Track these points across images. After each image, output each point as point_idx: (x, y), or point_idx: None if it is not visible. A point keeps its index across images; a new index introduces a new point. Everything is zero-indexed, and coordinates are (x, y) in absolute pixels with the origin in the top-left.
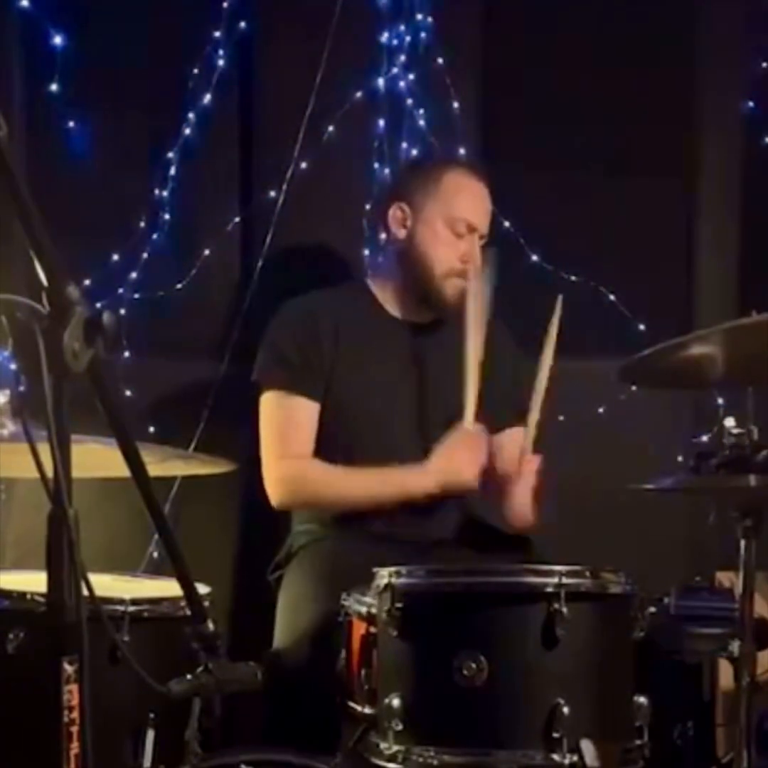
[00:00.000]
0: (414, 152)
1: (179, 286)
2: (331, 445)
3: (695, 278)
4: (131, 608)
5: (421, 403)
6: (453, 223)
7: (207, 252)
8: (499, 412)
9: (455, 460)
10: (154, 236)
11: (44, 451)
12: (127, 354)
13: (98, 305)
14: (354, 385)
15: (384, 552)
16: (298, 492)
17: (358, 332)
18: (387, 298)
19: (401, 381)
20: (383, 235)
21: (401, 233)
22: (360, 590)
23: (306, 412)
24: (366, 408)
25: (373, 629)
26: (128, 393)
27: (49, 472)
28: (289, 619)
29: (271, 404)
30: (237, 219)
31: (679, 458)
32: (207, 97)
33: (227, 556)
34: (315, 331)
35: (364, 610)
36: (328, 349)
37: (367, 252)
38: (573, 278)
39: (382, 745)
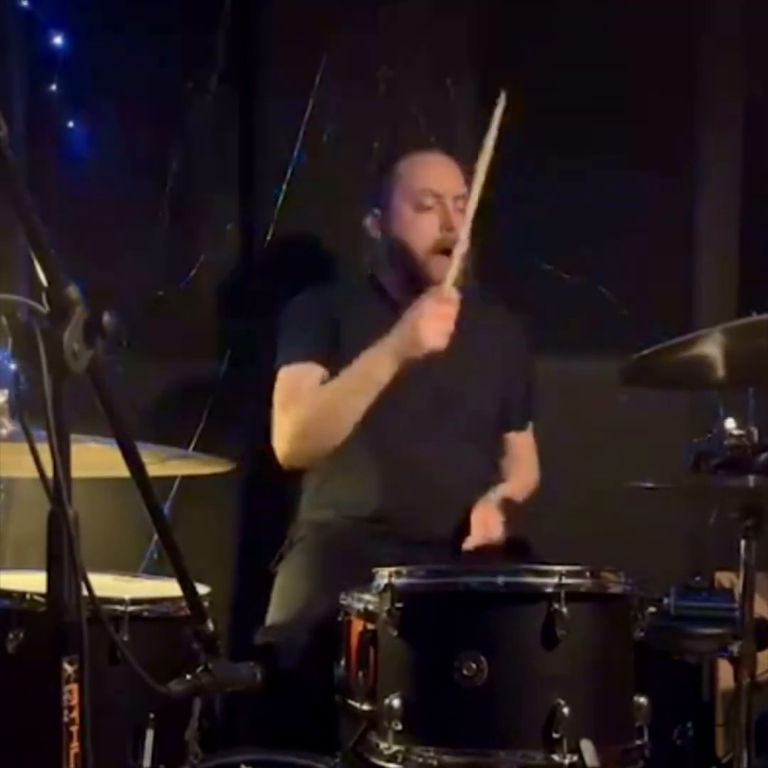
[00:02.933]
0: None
1: (179, 286)
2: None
3: (695, 278)
4: (131, 608)
5: (428, 391)
6: (418, 199)
7: (207, 252)
8: (510, 411)
9: (420, 328)
10: (154, 236)
11: (44, 451)
12: (127, 354)
13: (98, 305)
14: None
15: (382, 542)
16: (298, 433)
17: (364, 322)
18: (392, 287)
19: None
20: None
21: (379, 235)
22: (358, 588)
23: (316, 374)
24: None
25: (370, 626)
26: (128, 393)
27: (49, 472)
28: (283, 604)
29: (283, 375)
30: (237, 219)
31: (679, 459)
32: (207, 97)
33: (227, 556)
34: (327, 315)
35: (361, 606)
36: (336, 332)
37: (366, 252)
38: (573, 278)
39: (382, 745)
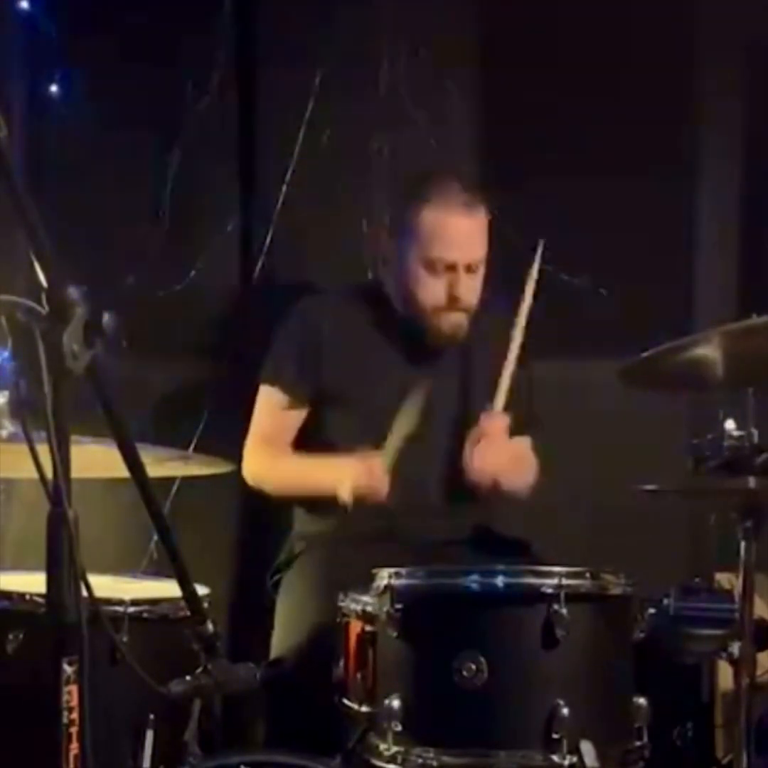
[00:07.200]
0: (414, 153)
1: (179, 286)
2: (335, 444)
3: (695, 278)
4: (131, 609)
5: (429, 403)
6: (430, 264)
7: (207, 253)
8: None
9: (376, 480)
10: (154, 236)
11: (44, 451)
12: (127, 354)
13: (98, 306)
14: (359, 385)
15: (385, 556)
16: (265, 477)
17: (365, 333)
18: (395, 299)
19: (408, 380)
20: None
21: (390, 267)
22: (357, 590)
23: (294, 415)
24: (372, 408)
25: (369, 627)
26: (128, 393)
27: (49, 473)
28: (288, 626)
29: (267, 397)
30: (237, 219)
31: (679, 460)
32: (207, 98)
33: (227, 557)
34: (318, 334)
35: (359, 608)
36: (331, 352)
37: (366, 253)
38: (573, 278)
39: (382, 746)
